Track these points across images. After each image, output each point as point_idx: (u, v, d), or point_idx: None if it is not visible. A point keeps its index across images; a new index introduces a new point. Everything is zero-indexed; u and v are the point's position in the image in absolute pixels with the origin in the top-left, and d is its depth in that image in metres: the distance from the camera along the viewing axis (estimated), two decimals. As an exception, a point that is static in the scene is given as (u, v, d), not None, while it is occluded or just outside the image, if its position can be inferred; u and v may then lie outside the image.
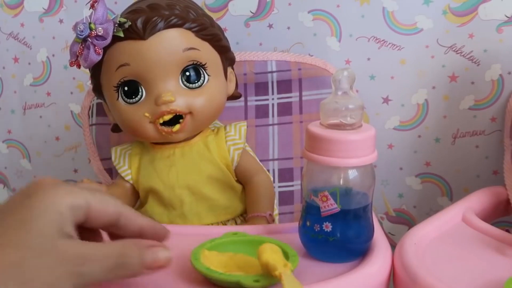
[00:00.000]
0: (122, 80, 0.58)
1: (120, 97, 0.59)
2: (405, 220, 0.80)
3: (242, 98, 0.72)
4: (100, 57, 0.57)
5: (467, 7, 0.70)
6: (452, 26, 0.71)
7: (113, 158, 0.65)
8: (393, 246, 0.49)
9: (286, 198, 0.73)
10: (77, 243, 0.36)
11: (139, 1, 0.61)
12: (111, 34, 0.56)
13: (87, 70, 0.62)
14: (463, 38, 0.71)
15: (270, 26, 0.77)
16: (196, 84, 0.59)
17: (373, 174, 0.47)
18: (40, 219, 0.34)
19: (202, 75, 0.59)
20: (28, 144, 0.93)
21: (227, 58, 0.63)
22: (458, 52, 0.72)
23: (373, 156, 0.45)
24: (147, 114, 0.58)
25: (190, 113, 0.58)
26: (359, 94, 0.75)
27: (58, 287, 0.34)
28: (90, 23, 0.56)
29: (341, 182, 0.45)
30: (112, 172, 0.74)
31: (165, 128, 0.58)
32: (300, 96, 0.73)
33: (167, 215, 0.62)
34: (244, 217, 0.64)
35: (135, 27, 0.56)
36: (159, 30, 0.56)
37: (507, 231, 0.58)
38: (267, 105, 0.73)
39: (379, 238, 0.49)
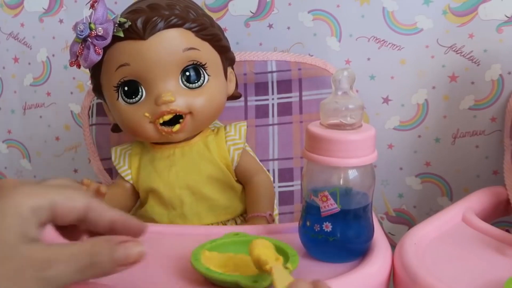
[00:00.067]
0: (122, 80, 0.58)
1: (120, 97, 0.59)
2: (405, 220, 0.80)
3: (242, 98, 0.72)
4: (100, 57, 0.57)
5: (467, 7, 0.70)
6: (452, 26, 0.71)
7: (113, 158, 0.65)
8: (393, 246, 0.49)
9: (286, 198, 0.73)
10: (41, 246, 0.34)
11: (139, 1, 0.61)
12: (111, 34, 0.56)
13: (87, 70, 0.62)
14: (463, 38, 0.71)
15: (270, 26, 0.77)
16: (196, 84, 0.59)
17: (373, 174, 0.47)
18: (0, 225, 0.33)
19: (202, 75, 0.59)
20: (28, 144, 0.93)
21: (227, 58, 0.63)
22: (458, 52, 0.72)
23: (373, 156, 0.45)
24: (147, 114, 0.58)
25: (190, 113, 0.58)
26: (359, 94, 0.75)
27: None
28: (90, 23, 0.56)
29: (341, 182, 0.45)
30: (112, 172, 0.74)
31: (165, 128, 0.58)
32: (300, 96, 0.73)
33: (167, 215, 0.62)
34: (244, 217, 0.64)
35: (135, 27, 0.56)
36: (159, 30, 0.56)
37: (507, 231, 0.58)
38: (267, 105, 0.73)
39: (379, 238, 0.49)
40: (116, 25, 0.56)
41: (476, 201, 0.61)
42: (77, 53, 0.57)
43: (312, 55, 0.75)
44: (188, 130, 0.59)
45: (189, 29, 0.58)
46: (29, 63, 0.89)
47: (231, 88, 0.65)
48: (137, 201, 0.65)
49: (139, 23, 0.56)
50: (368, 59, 0.75)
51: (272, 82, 0.73)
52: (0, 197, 0.34)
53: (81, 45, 0.57)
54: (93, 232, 0.39)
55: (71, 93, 0.87)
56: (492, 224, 0.55)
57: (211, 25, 0.61)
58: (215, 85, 0.60)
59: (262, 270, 0.40)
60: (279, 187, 0.73)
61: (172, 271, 0.45)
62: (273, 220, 0.62)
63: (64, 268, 0.34)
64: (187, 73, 0.58)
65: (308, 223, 0.47)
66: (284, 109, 0.73)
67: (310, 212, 0.47)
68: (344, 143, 0.44)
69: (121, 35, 0.56)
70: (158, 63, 0.57)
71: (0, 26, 0.89)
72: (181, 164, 0.62)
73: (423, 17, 0.72)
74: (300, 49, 0.76)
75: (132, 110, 0.59)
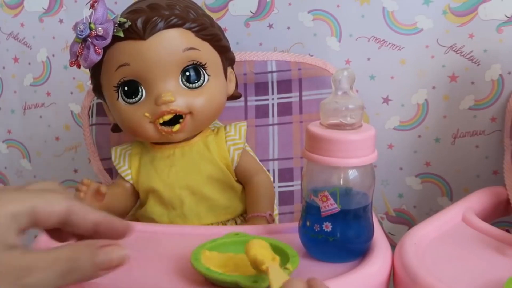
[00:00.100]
0: (122, 80, 0.58)
1: (120, 97, 0.59)
2: (405, 220, 0.80)
3: (242, 98, 0.72)
4: (100, 57, 0.57)
5: (467, 7, 0.70)
6: (452, 26, 0.71)
7: (113, 158, 0.65)
8: (393, 246, 0.49)
9: (286, 198, 0.73)
10: (20, 253, 0.34)
11: (139, 1, 0.61)
12: (111, 34, 0.56)
13: (87, 70, 0.62)
14: (463, 38, 0.71)
15: (270, 26, 0.77)
16: (196, 84, 0.59)
17: (373, 174, 0.47)
18: None
19: (202, 75, 0.59)
20: (28, 144, 0.93)
21: (227, 58, 0.63)
22: (458, 52, 0.72)
23: (373, 156, 0.45)
24: (147, 114, 0.58)
25: (190, 113, 0.58)
26: (359, 94, 0.75)
27: None
28: (90, 23, 0.56)
29: (341, 182, 0.45)
30: (112, 172, 0.74)
31: (165, 128, 0.58)
32: (300, 96, 0.73)
33: (167, 215, 0.62)
34: (244, 217, 0.64)
35: (135, 27, 0.56)
36: (159, 30, 0.56)
37: (507, 231, 0.58)
38: (267, 105, 0.73)
39: (379, 238, 0.49)
40: (116, 25, 0.56)
41: (476, 201, 0.61)
42: (77, 53, 0.57)
43: (312, 55, 0.75)
44: (188, 130, 0.59)
45: (189, 29, 0.58)
46: (29, 63, 0.89)
47: (231, 88, 0.65)
48: (137, 201, 0.65)
49: (139, 23, 0.56)
50: (368, 59, 0.75)
51: (272, 82, 0.73)
52: None
53: (81, 45, 0.57)
54: (80, 235, 0.39)
55: (71, 93, 0.87)
56: (492, 224, 0.55)
57: (211, 25, 0.61)
58: (215, 85, 0.60)
59: (259, 270, 0.40)
60: (279, 187, 0.73)
61: (172, 271, 0.45)
62: (273, 220, 0.62)
63: (44, 274, 0.33)
64: (187, 73, 0.58)
65: (308, 223, 0.47)
66: (284, 109, 0.73)
67: (310, 212, 0.47)
68: (344, 143, 0.44)
69: (121, 35, 0.56)
70: (158, 63, 0.57)
71: (0, 26, 0.89)
72: (181, 164, 0.62)
73: (423, 17, 0.72)
74: (300, 49, 0.76)
75: (132, 110, 0.59)
